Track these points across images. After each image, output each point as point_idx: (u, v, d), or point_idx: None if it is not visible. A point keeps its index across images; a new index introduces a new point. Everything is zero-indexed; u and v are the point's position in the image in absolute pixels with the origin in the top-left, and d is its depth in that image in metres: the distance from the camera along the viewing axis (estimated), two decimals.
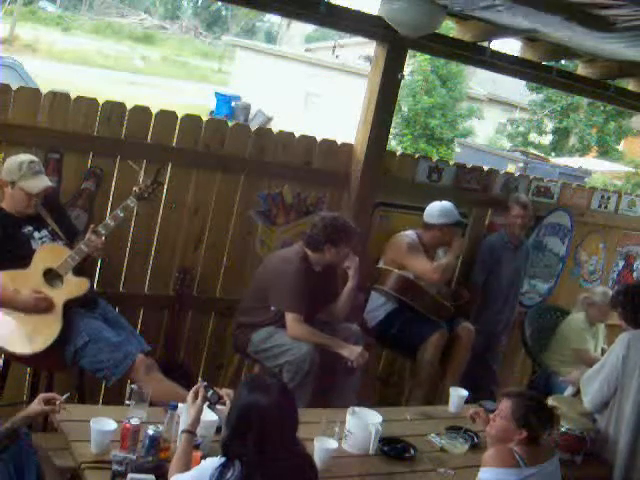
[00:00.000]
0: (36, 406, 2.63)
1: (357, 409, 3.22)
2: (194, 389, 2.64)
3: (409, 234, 4.51)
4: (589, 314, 5.13)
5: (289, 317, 3.78)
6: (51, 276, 3.35)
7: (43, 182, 3.36)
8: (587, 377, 3.90)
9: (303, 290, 3.80)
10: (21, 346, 3.22)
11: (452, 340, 4.48)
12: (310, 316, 3.90)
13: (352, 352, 3.75)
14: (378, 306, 4.48)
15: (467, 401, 3.81)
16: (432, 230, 4.50)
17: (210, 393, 2.59)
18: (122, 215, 3.49)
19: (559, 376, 4.98)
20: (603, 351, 5.02)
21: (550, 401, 3.65)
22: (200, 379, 2.74)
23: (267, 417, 2.22)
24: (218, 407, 2.60)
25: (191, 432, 2.52)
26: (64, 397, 2.68)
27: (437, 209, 4.50)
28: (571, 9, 3.49)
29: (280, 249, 4.22)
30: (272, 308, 3.85)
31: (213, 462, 2.25)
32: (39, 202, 3.41)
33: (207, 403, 2.58)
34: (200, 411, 2.57)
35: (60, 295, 3.33)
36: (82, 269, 3.45)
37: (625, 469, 3.67)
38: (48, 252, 3.39)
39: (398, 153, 5.01)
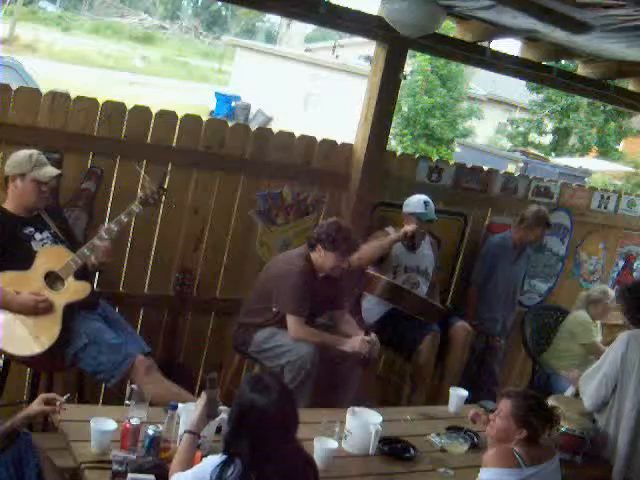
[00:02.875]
0: (36, 406, 2.63)
1: (357, 409, 3.21)
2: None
3: (387, 229, 4.50)
4: (589, 312, 5.14)
5: (290, 320, 3.78)
6: (52, 279, 3.35)
7: (53, 171, 3.40)
8: (586, 376, 3.89)
9: (305, 292, 3.79)
10: (20, 348, 3.22)
11: (448, 340, 4.48)
12: (312, 319, 3.90)
13: (353, 345, 3.75)
14: (374, 305, 4.47)
15: (467, 401, 3.81)
16: (405, 220, 4.47)
17: (210, 389, 2.60)
18: (126, 220, 3.49)
19: (559, 375, 4.99)
20: None
21: (550, 401, 3.65)
22: (207, 375, 2.72)
23: (265, 417, 2.22)
24: (221, 408, 2.60)
25: (194, 433, 2.52)
26: (64, 398, 2.68)
27: (411, 199, 4.48)
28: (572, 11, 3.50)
29: (284, 251, 4.20)
30: (274, 309, 3.85)
31: (214, 460, 2.26)
32: (47, 195, 3.41)
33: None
34: (204, 413, 2.57)
35: (61, 298, 3.32)
36: (84, 273, 3.45)
37: (624, 468, 3.68)
38: (50, 254, 3.39)
39: (398, 153, 5.02)
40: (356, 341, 3.77)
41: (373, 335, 3.83)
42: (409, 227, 4.32)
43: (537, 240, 4.96)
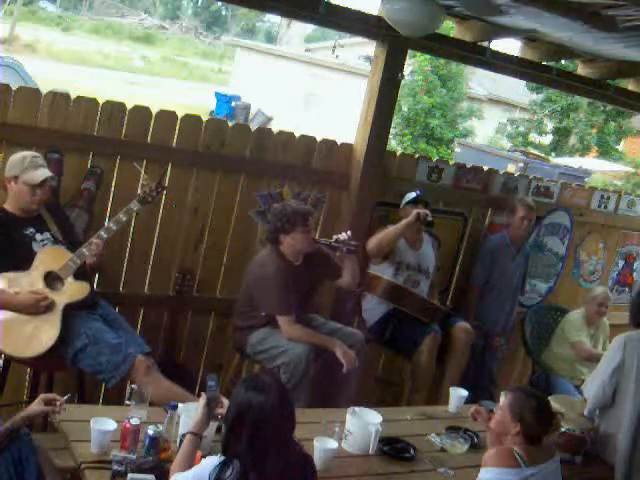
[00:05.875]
0: (36, 406, 2.63)
1: (357, 409, 3.21)
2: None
3: (389, 227, 4.49)
4: (587, 312, 5.17)
5: (281, 320, 3.78)
6: (52, 279, 3.35)
7: (44, 173, 3.38)
8: (588, 381, 3.89)
9: (286, 290, 3.78)
10: (20, 349, 3.22)
11: (448, 340, 4.48)
12: (305, 311, 3.91)
13: (345, 354, 3.73)
14: (375, 305, 4.48)
15: (467, 401, 3.81)
16: (401, 216, 4.48)
17: (212, 392, 2.60)
18: (125, 219, 3.49)
19: (558, 376, 5.00)
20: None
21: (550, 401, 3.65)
22: (209, 375, 2.73)
23: (261, 416, 2.23)
24: (219, 411, 2.60)
25: (196, 434, 2.52)
26: (65, 398, 2.68)
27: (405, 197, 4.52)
28: (574, 8, 3.49)
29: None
30: (262, 313, 3.85)
31: (213, 460, 2.26)
32: (43, 197, 3.41)
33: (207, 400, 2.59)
34: (206, 415, 2.57)
35: (60, 298, 3.32)
36: (83, 273, 3.44)
37: (626, 469, 3.67)
38: (49, 255, 3.39)
39: (398, 153, 5.02)
40: (348, 353, 3.73)
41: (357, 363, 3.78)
42: (420, 210, 4.31)
43: (523, 224, 4.91)
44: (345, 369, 3.72)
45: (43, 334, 3.24)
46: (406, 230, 4.35)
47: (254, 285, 3.86)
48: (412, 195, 4.50)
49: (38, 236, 3.41)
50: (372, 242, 4.35)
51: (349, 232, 3.93)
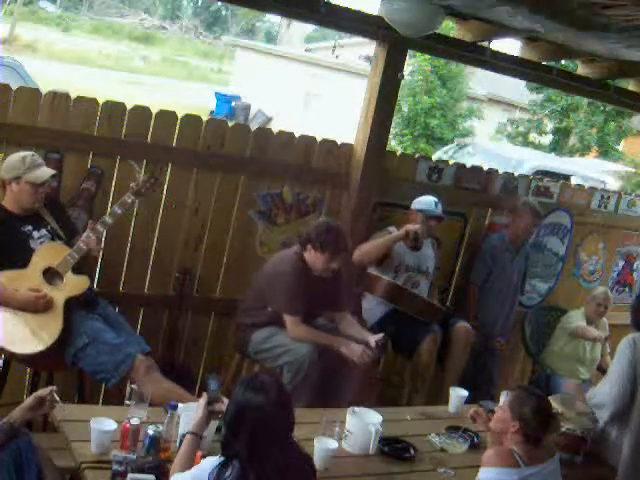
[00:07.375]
0: (30, 399, 2.62)
1: (357, 409, 3.21)
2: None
3: (389, 228, 4.50)
4: (586, 312, 5.18)
5: (288, 320, 3.78)
6: (50, 275, 3.36)
7: (48, 171, 3.40)
8: (598, 393, 3.85)
9: (298, 292, 3.78)
10: (22, 346, 3.22)
11: (449, 340, 4.48)
12: (310, 318, 3.89)
13: (353, 351, 3.74)
14: (375, 305, 4.47)
15: (467, 401, 3.81)
16: (409, 216, 4.48)
17: (212, 392, 2.61)
18: (120, 212, 3.50)
19: (557, 376, 5.01)
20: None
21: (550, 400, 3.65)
22: (210, 375, 2.74)
23: (260, 416, 2.23)
24: (219, 409, 2.61)
25: (196, 434, 2.52)
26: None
27: (422, 198, 4.50)
28: (571, 11, 3.50)
29: (280, 250, 4.20)
30: (269, 309, 3.85)
31: (212, 461, 2.26)
32: (44, 195, 3.41)
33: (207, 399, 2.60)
34: (206, 415, 2.57)
35: (60, 294, 3.33)
36: (82, 267, 3.45)
37: (629, 471, 3.66)
38: (47, 251, 3.40)
39: (398, 153, 5.02)
40: (355, 349, 3.75)
41: (380, 337, 3.80)
42: (412, 226, 4.31)
43: (527, 229, 4.93)
44: (357, 360, 3.70)
45: (45, 330, 3.25)
46: (394, 244, 4.37)
47: (268, 280, 3.86)
48: (428, 203, 4.44)
49: (35, 233, 3.42)
50: (358, 253, 4.32)
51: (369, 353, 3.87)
